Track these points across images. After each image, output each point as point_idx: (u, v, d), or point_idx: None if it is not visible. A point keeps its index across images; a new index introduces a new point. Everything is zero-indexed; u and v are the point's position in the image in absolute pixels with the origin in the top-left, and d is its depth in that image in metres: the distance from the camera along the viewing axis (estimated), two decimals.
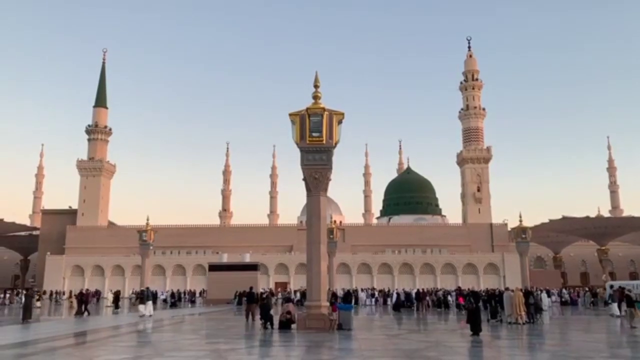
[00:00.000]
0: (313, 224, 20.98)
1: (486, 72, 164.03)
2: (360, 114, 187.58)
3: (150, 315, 29.52)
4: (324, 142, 20.69)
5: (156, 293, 52.79)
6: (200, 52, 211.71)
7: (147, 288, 33.56)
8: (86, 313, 31.49)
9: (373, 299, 50.17)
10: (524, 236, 46.68)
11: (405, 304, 39.81)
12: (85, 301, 32.79)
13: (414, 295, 41.57)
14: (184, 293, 60.26)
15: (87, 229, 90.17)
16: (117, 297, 43.31)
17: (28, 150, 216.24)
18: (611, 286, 40.94)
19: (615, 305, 30.58)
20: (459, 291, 41.11)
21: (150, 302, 30.67)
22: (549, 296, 42.84)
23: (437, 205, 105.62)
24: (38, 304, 42.79)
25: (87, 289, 48.73)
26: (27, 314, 26.09)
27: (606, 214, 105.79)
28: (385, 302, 48.42)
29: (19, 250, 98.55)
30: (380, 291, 54.67)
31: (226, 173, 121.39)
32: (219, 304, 45.48)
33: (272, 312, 21.96)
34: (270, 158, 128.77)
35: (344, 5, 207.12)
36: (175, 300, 51.45)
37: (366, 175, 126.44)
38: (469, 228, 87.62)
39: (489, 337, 18.34)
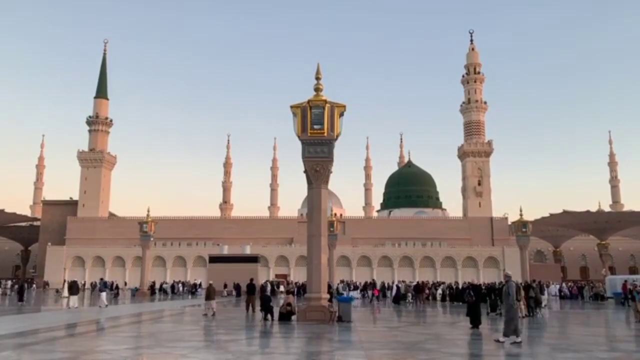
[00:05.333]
0: (314, 217, 20.95)
1: (488, 65, 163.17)
2: (362, 107, 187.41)
3: (76, 307, 28.95)
4: (326, 134, 20.61)
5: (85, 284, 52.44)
6: (202, 44, 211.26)
7: (76, 281, 33.00)
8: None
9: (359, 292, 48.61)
10: (524, 230, 46.70)
11: (404, 296, 39.78)
12: None
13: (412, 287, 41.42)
14: (183, 284, 60.48)
15: (87, 220, 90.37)
16: (22, 289, 35.89)
17: (29, 141, 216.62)
18: (626, 281, 37.26)
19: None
20: (373, 284, 41.21)
21: (75, 296, 30.12)
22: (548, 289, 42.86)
23: (437, 199, 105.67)
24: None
25: None
26: None
27: (607, 209, 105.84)
28: (384, 295, 45.84)
29: (20, 240, 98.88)
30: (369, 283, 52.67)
31: (227, 165, 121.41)
32: (218, 296, 45.54)
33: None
34: (271, 150, 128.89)
35: None
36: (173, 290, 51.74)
37: (367, 168, 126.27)
38: (470, 222, 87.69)
39: (489, 330, 18.35)
